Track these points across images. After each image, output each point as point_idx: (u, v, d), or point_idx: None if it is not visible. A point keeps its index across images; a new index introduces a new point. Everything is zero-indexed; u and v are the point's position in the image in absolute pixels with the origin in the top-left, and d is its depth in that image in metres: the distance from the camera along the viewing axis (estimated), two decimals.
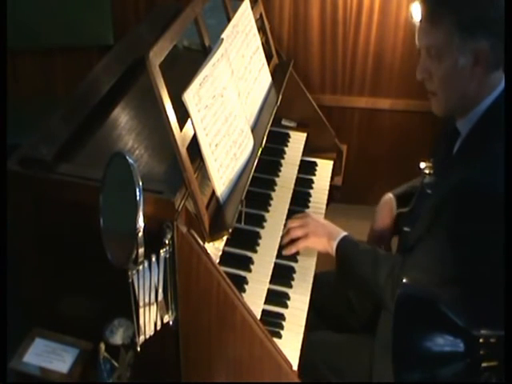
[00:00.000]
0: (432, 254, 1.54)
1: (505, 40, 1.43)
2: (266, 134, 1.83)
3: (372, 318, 1.82)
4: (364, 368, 1.70)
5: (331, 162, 2.26)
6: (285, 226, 1.89)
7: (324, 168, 2.24)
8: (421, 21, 1.53)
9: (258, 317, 1.57)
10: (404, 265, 1.60)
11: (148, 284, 1.34)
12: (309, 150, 2.24)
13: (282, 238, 1.83)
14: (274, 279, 1.73)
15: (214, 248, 1.63)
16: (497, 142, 1.43)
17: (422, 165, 1.73)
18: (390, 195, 1.95)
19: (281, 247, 1.82)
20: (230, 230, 1.49)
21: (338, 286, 1.94)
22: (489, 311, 1.43)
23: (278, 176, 2.08)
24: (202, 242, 1.42)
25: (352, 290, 1.92)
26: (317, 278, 1.80)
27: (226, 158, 1.57)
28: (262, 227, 1.87)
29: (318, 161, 2.26)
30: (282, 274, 1.78)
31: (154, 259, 1.33)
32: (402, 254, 1.72)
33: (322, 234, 1.77)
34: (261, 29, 2.09)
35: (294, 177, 2.10)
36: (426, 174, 1.72)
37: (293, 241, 1.81)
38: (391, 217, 1.92)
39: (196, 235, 1.40)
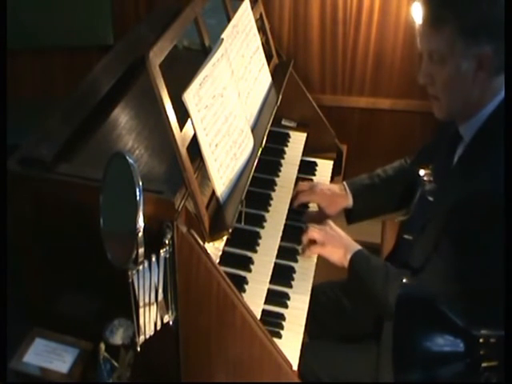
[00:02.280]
0: (443, 273, 1.51)
1: (505, 43, 1.42)
2: (266, 134, 1.83)
3: (374, 327, 1.81)
4: (367, 377, 1.69)
5: (331, 162, 2.26)
6: (285, 226, 1.89)
7: (324, 168, 2.24)
8: (422, 25, 1.50)
9: (258, 317, 1.57)
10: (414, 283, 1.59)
11: (148, 284, 1.34)
12: (309, 150, 2.24)
13: (301, 237, 1.83)
14: (273, 279, 1.73)
15: (214, 248, 1.63)
16: (502, 148, 1.40)
17: (421, 172, 1.72)
18: (348, 192, 1.96)
19: (281, 247, 1.82)
20: (230, 230, 1.49)
21: (337, 297, 1.95)
22: (489, 311, 1.43)
23: (278, 176, 2.08)
24: (202, 242, 1.42)
25: (349, 299, 1.93)
26: (314, 290, 1.77)
27: (226, 158, 1.57)
28: (262, 227, 1.87)
29: (318, 161, 2.25)
30: (282, 274, 1.77)
31: (154, 259, 1.33)
32: (399, 263, 1.71)
33: (340, 246, 1.74)
34: (261, 29, 2.09)
35: (294, 177, 2.10)
36: (425, 181, 1.70)
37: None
38: (337, 206, 1.97)
39: (196, 235, 1.40)
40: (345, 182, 1.99)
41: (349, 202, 1.96)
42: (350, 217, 2.00)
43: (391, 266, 1.68)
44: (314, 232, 1.79)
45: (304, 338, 1.64)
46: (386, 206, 1.99)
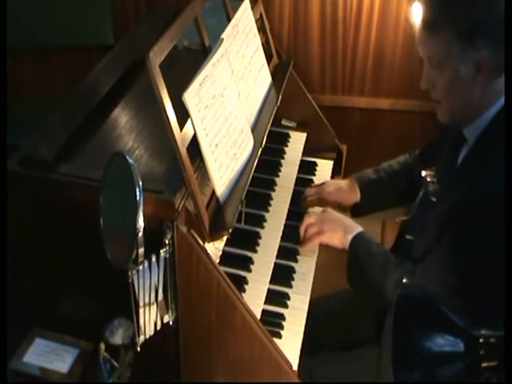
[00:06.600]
0: (442, 266, 1.52)
1: (505, 45, 1.41)
2: (266, 133, 1.83)
3: (374, 334, 1.80)
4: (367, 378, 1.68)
5: (331, 162, 2.26)
6: (285, 226, 1.89)
7: (324, 168, 2.24)
8: (420, 30, 1.51)
9: (258, 317, 1.57)
10: (413, 274, 1.58)
11: (148, 284, 1.34)
12: (309, 150, 2.24)
13: (299, 232, 1.83)
14: (273, 279, 1.73)
15: (214, 248, 1.63)
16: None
17: (424, 173, 1.72)
18: (356, 186, 1.97)
19: (281, 247, 1.82)
20: (230, 230, 1.49)
21: (332, 309, 1.94)
22: (489, 311, 1.43)
23: (277, 176, 2.08)
24: (202, 242, 1.42)
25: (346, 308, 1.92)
26: (311, 306, 1.74)
27: (226, 157, 1.57)
28: (262, 227, 1.87)
29: (318, 161, 2.25)
30: (282, 274, 1.77)
31: (154, 259, 1.33)
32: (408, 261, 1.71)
33: (338, 229, 1.75)
34: (261, 29, 2.09)
35: (294, 177, 2.10)
36: (428, 182, 1.70)
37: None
38: (347, 203, 1.98)
39: (196, 235, 1.40)
40: (353, 177, 2.00)
41: (357, 197, 1.97)
42: (356, 211, 2.00)
43: (391, 255, 1.68)
44: (310, 218, 1.80)
45: (304, 339, 1.63)
46: (390, 200, 2.00)
